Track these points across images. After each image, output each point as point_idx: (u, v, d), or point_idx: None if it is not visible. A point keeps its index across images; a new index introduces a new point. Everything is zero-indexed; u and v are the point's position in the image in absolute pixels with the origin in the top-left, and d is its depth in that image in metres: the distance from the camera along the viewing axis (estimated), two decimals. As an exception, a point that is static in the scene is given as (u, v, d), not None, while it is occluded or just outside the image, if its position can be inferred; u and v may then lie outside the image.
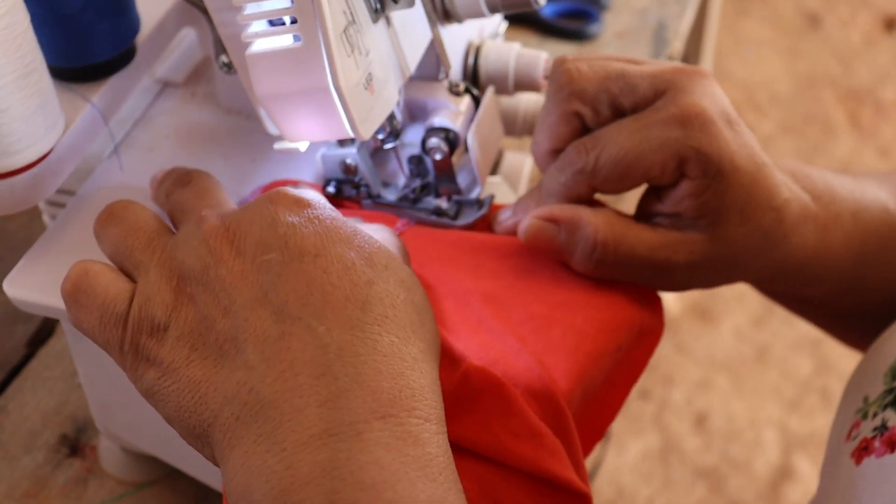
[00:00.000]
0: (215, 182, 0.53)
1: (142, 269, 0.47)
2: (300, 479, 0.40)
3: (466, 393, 0.48)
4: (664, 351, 1.98)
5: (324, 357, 0.42)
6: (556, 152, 0.57)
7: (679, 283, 0.56)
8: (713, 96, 0.53)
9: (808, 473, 1.80)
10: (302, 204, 0.47)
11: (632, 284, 0.56)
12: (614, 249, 0.53)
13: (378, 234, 0.51)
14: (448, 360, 0.49)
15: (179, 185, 0.53)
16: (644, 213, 0.56)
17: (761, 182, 0.54)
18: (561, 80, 0.55)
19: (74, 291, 0.48)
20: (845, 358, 1.97)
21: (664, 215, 0.55)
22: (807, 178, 0.58)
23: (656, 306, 0.57)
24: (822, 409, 1.90)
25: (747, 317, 2.08)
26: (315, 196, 0.48)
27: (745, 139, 0.54)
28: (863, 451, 0.53)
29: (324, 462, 0.40)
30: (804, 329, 2.03)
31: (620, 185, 0.54)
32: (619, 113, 0.55)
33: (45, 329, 0.76)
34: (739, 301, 2.10)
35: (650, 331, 0.56)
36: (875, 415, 0.54)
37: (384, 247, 0.48)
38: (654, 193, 0.56)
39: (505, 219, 0.58)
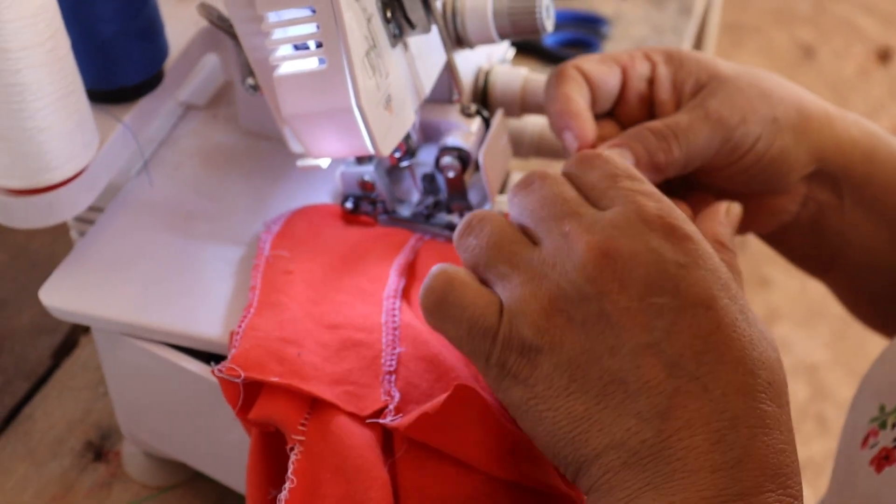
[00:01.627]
0: (562, 184, 0.49)
1: (507, 282, 0.46)
2: None
3: (453, 408, 0.49)
4: (662, 376, 2.00)
5: (719, 423, 0.41)
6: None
7: (752, 130, 0.60)
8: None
9: (805, 498, 1.82)
10: (683, 237, 0.45)
11: None
12: (665, 124, 0.59)
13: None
14: (442, 371, 0.52)
15: (524, 188, 0.50)
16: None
17: (784, 94, 0.62)
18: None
19: (440, 302, 0.47)
20: (842, 385, 1.99)
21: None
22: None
23: None
24: (819, 436, 1.91)
25: (744, 343, 2.10)
26: (691, 226, 0.46)
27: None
28: (883, 459, 0.56)
29: None
30: (800, 355, 2.06)
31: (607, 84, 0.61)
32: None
33: (70, 341, 0.79)
34: (736, 327, 2.13)
35: None
36: (895, 425, 0.57)
37: (743, 293, 0.46)
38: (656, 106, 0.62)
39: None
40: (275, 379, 0.51)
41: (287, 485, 0.49)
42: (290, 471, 0.49)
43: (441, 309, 0.47)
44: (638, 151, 0.58)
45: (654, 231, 0.44)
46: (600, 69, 0.61)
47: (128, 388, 0.64)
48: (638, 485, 0.42)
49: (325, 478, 0.49)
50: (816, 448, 1.89)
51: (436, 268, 0.47)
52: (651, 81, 0.62)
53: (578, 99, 0.60)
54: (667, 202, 0.46)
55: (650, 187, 0.47)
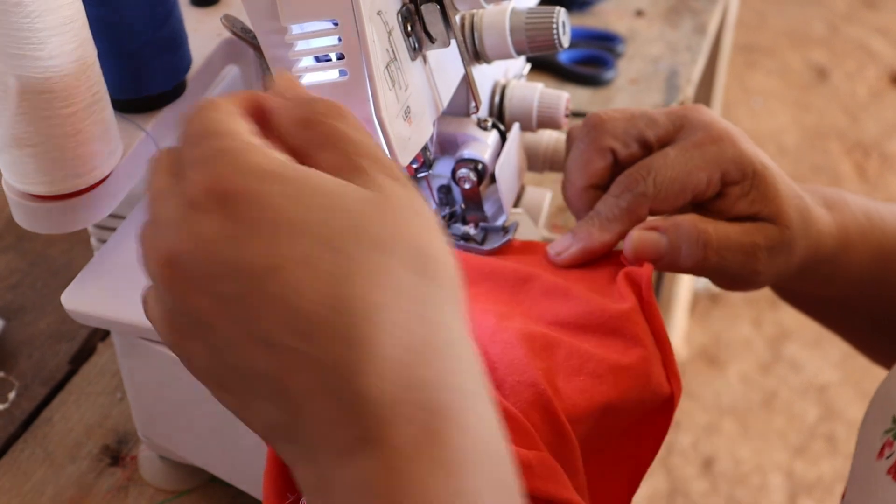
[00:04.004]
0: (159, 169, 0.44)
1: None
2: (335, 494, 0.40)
3: None
4: (672, 394, 2.00)
5: (323, 379, 0.39)
6: (590, 189, 0.63)
7: (766, 266, 0.62)
8: (720, 120, 0.62)
9: (814, 518, 1.82)
10: (236, 199, 0.40)
11: (647, 337, 0.57)
12: (715, 235, 0.60)
13: None
14: None
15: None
16: None
17: (783, 175, 0.63)
18: (593, 121, 0.62)
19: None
20: (851, 405, 1.99)
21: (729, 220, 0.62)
22: (816, 189, 0.67)
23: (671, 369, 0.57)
24: (828, 455, 1.91)
25: (754, 363, 2.10)
26: (248, 177, 0.40)
27: (757, 148, 0.63)
28: None
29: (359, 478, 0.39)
30: (810, 375, 2.06)
31: (674, 202, 0.61)
32: (645, 145, 0.62)
33: (88, 347, 0.80)
34: (746, 347, 2.13)
35: (665, 395, 0.57)
36: None
37: (332, 209, 0.41)
38: (705, 211, 0.62)
39: (566, 248, 0.62)
40: None
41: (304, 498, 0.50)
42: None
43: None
44: (672, 247, 0.60)
45: (204, 212, 0.40)
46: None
47: (146, 392, 0.65)
48: (293, 456, 0.41)
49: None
50: (826, 468, 1.89)
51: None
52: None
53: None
54: (221, 162, 0.41)
55: (208, 147, 0.41)
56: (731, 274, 0.62)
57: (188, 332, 0.41)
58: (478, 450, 0.40)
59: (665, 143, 0.62)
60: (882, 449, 0.60)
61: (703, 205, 0.62)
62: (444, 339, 0.41)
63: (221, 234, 0.39)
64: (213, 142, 0.41)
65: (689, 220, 0.60)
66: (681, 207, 0.61)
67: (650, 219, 0.62)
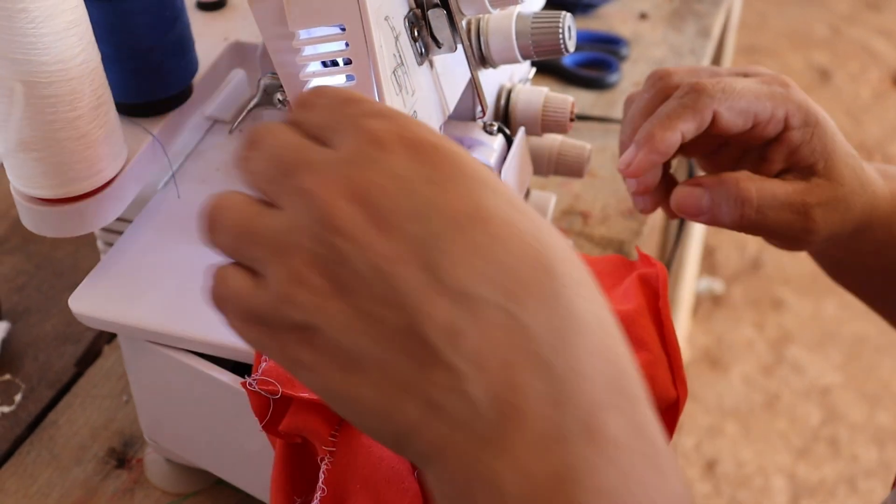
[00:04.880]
0: (285, 132, 0.41)
1: (264, 266, 0.39)
2: (536, 486, 0.35)
3: None
4: (674, 396, 2.00)
5: (531, 344, 0.36)
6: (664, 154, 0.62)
7: (819, 225, 0.62)
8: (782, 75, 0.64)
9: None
10: (427, 149, 0.38)
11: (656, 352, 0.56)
12: (758, 195, 0.61)
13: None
14: None
15: (248, 149, 0.42)
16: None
17: (840, 135, 0.63)
18: (659, 73, 0.64)
19: (215, 300, 0.41)
20: (854, 407, 1.99)
21: (784, 172, 0.63)
22: (864, 162, 0.67)
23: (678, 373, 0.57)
24: (831, 458, 1.91)
25: (756, 365, 2.10)
26: (434, 135, 0.39)
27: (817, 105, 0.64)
28: None
29: (559, 467, 0.35)
30: (813, 378, 2.06)
31: (737, 121, 0.61)
32: None
33: (93, 350, 0.80)
34: (749, 349, 2.13)
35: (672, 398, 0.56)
36: None
37: (510, 187, 0.41)
38: (762, 157, 0.63)
39: (632, 157, 0.61)
40: (305, 395, 0.52)
41: (318, 494, 0.50)
42: (321, 480, 0.50)
43: (218, 304, 0.41)
44: (713, 203, 0.62)
45: (392, 153, 0.38)
46: (735, 122, 0.62)
47: (152, 394, 0.65)
48: (474, 444, 0.36)
49: (355, 488, 0.50)
50: (828, 470, 1.89)
51: (209, 268, 0.41)
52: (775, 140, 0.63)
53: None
54: (402, 117, 0.40)
55: (380, 105, 0.41)
56: (779, 232, 0.62)
57: (338, 287, 0.37)
58: (664, 449, 0.38)
59: None
60: None
61: (764, 147, 0.63)
62: (623, 351, 0.39)
63: (419, 174, 0.37)
64: (372, 102, 0.40)
65: (734, 178, 0.61)
66: (741, 131, 0.61)
67: (699, 176, 0.63)
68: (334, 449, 0.51)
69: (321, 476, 0.50)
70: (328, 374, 0.38)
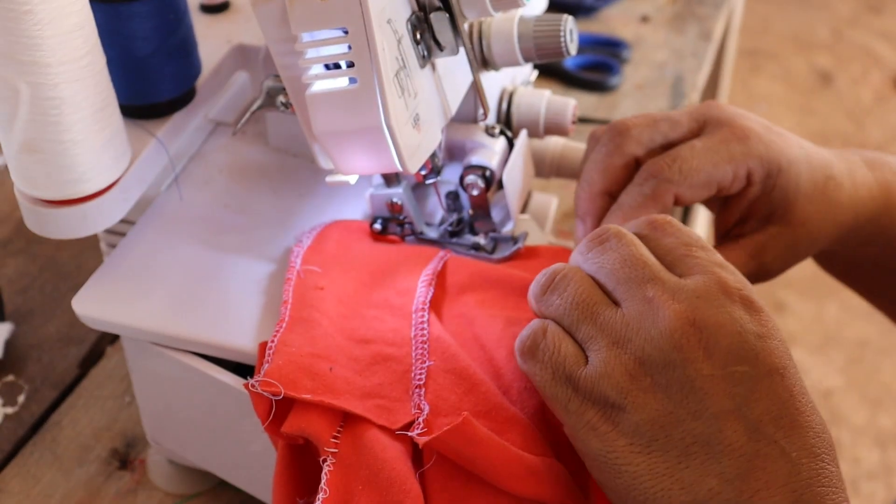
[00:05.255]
0: (639, 245, 0.51)
1: (592, 344, 0.48)
2: None
3: (460, 442, 0.50)
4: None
5: (796, 483, 0.44)
6: (606, 195, 0.62)
7: (777, 270, 0.63)
8: (743, 114, 0.62)
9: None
10: (758, 309, 0.48)
11: None
12: None
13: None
14: (471, 384, 0.53)
15: (599, 243, 0.51)
16: (723, 229, 0.64)
17: (814, 161, 0.62)
18: (619, 127, 0.62)
19: (532, 347, 0.50)
20: (856, 410, 1.99)
21: (742, 223, 0.62)
22: (855, 151, 0.67)
23: None
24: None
25: (759, 367, 2.10)
26: (761, 299, 0.49)
27: (785, 137, 0.62)
28: None
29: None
30: (815, 381, 2.06)
31: (700, 193, 0.60)
32: (669, 147, 0.62)
33: (96, 351, 0.80)
34: (751, 351, 2.13)
35: None
36: None
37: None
38: (724, 209, 0.63)
39: None
40: (307, 396, 0.52)
41: (320, 495, 0.50)
42: (323, 482, 0.50)
43: (532, 352, 0.50)
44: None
45: (734, 303, 0.47)
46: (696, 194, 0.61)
47: (155, 396, 0.65)
48: None
49: (358, 489, 0.50)
50: (830, 473, 1.88)
51: (535, 321, 0.51)
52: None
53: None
54: (740, 275, 0.50)
55: (722, 259, 0.50)
56: None
57: (655, 386, 0.46)
58: None
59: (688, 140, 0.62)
60: None
61: (723, 200, 0.62)
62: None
63: (751, 326, 0.46)
64: (717, 254, 0.50)
65: None
66: (706, 197, 0.61)
67: None
68: (337, 450, 0.51)
69: (323, 477, 0.51)
70: (618, 449, 0.46)
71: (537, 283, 0.52)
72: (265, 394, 0.52)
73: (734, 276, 0.49)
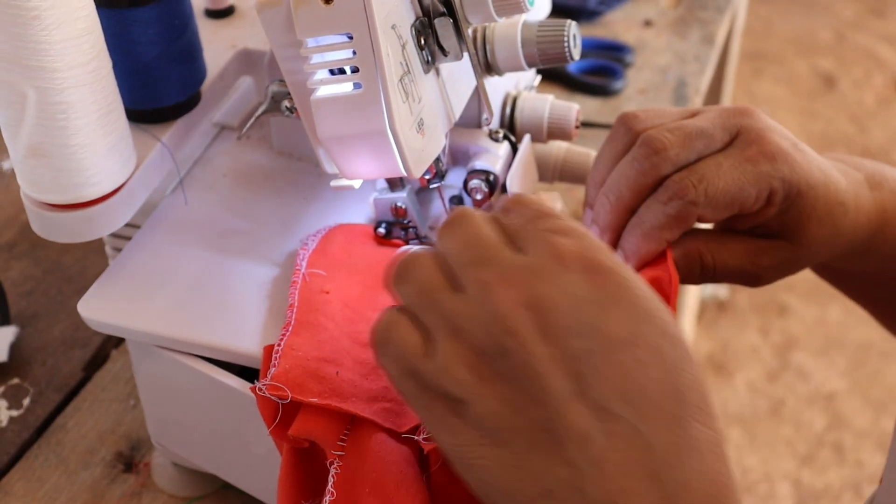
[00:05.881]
0: (484, 224, 0.47)
1: (436, 334, 0.45)
2: None
3: None
4: (679, 402, 2.00)
5: (650, 459, 0.41)
6: (634, 210, 0.60)
7: (768, 279, 0.63)
8: (775, 129, 0.61)
9: (821, 526, 1.82)
10: (602, 271, 0.44)
11: None
12: (712, 261, 0.61)
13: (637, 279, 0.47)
14: None
15: (449, 227, 0.48)
16: (729, 229, 0.63)
17: (830, 187, 0.61)
18: (655, 146, 0.59)
19: (381, 339, 0.47)
20: (859, 413, 1.99)
21: (750, 229, 0.62)
22: (859, 164, 0.66)
23: None
24: (836, 464, 1.91)
25: (761, 371, 2.10)
26: (611, 258, 0.45)
27: (809, 156, 0.61)
28: None
29: None
30: (818, 384, 2.06)
31: (722, 213, 0.60)
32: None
33: (101, 354, 0.81)
34: (754, 355, 2.13)
35: None
36: None
37: (668, 312, 0.45)
38: (734, 220, 0.62)
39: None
40: (314, 400, 0.53)
41: (327, 498, 0.50)
42: (330, 484, 0.51)
43: (380, 346, 0.47)
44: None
45: (571, 271, 0.43)
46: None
47: (160, 399, 0.65)
48: None
49: (365, 492, 0.50)
50: (834, 477, 1.89)
51: (386, 311, 0.47)
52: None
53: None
54: (587, 237, 0.45)
55: (570, 223, 0.46)
56: (727, 283, 0.63)
57: (495, 375, 0.43)
58: None
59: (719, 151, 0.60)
60: None
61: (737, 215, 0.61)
62: (732, 479, 0.43)
63: (589, 295, 0.43)
64: (562, 220, 0.46)
65: (694, 245, 0.61)
66: (729, 215, 0.60)
67: None
68: (343, 453, 0.52)
69: (331, 480, 0.51)
70: (467, 443, 0.43)
71: (390, 267, 0.48)
72: (272, 397, 0.53)
73: (575, 240, 0.45)
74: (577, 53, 0.62)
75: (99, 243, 0.85)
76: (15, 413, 0.76)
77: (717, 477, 0.42)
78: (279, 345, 0.56)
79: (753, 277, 0.62)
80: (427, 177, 0.63)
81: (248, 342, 0.59)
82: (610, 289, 0.43)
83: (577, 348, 0.42)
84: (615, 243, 0.61)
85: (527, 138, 0.68)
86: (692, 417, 0.42)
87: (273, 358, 0.55)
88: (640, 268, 0.60)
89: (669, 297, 0.57)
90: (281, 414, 0.53)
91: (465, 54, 0.58)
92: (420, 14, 0.56)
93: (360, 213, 0.68)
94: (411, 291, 0.46)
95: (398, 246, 0.66)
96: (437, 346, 0.44)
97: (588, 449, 0.41)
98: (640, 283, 0.44)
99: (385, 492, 0.50)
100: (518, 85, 0.72)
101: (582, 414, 0.42)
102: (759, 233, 0.62)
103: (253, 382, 0.55)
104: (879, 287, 0.75)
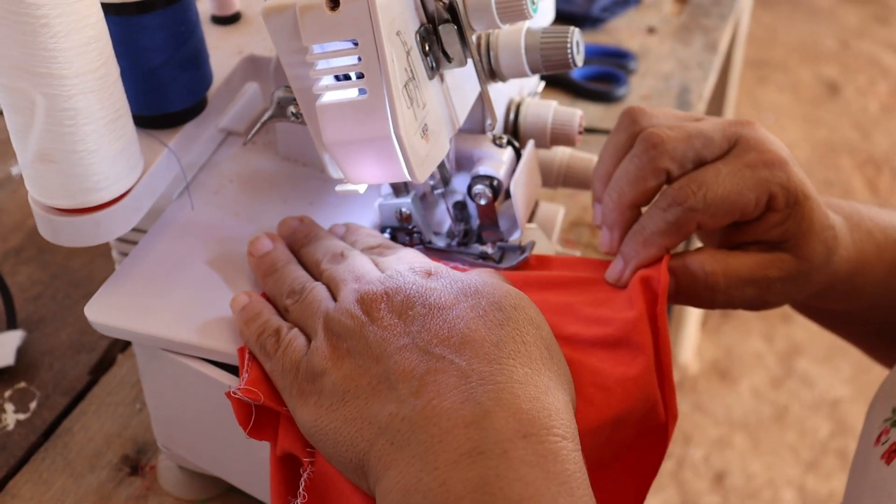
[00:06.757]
0: (360, 257, 0.61)
1: (315, 334, 0.55)
2: (454, 494, 0.44)
3: None
4: (683, 409, 2.01)
5: (466, 385, 0.48)
6: (638, 205, 0.62)
7: (776, 297, 0.63)
8: (773, 141, 0.62)
9: (826, 531, 1.81)
10: (431, 272, 0.56)
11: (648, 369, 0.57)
12: (724, 275, 0.61)
13: (486, 275, 0.57)
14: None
15: (334, 262, 0.60)
16: (729, 246, 0.63)
17: (821, 206, 0.62)
18: (653, 140, 0.61)
19: (271, 348, 0.56)
20: (863, 420, 1.99)
21: (751, 244, 0.62)
22: (836, 205, 0.67)
23: (669, 397, 0.57)
24: (840, 470, 1.91)
25: (766, 378, 2.10)
26: (441, 266, 0.58)
27: (803, 173, 0.63)
28: (893, 453, 0.60)
29: (474, 479, 0.44)
30: (822, 390, 2.06)
31: (721, 220, 0.60)
32: (700, 164, 0.61)
33: (107, 359, 0.81)
34: (758, 362, 2.13)
35: (658, 420, 0.56)
36: None
37: (512, 291, 0.54)
38: (736, 228, 0.62)
39: (619, 270, 0.62)
40: (284, 409, 0.55)
41: (299, 500, 0.52)
42: (301, 487, 0.53)
43: (264, 349, 0.56)
44: (679, 289, 0.62)
45: (416, 273, 0.56)
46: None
47: (165, 402, 0.66)
48: (406, 459, 0.47)
49: (334, 496, 0.52)
50: (838, 483, 1.88)
51: (269, 319, 0.58)
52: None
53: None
54: (415, 254, 0.61)
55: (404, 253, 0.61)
56: (739, 306, 0.62)
57: (345, 352, 0.53)
58: (578, 475, 0.47)
59: (718, 159, 0.61)
60: (879, 436, 0.63)
61: (738, 224, 0.62)
62: (553, 406, 0.49)
63: (427, 283, 0.55)
64: (395, 247, 0.62)
65: (699, 263, 0.60)
66: (728, 222, 0.61)
67: None
68: (314, 459, 0.53)
69: (301, 484, 0.52)
70: (322, 411, 0.51)
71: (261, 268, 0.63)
72: (246, 400, 0.54)
73: (417, 258, 0.59)
74: (580, 60, 0.63)
75: (105, 248, 0.86)
76: (22, 416, 0.76)
77: (534, 401, 0.48)
78: (250, 353, 0.58)
79: (764, 290, 0.62)
80: (431, 182, 0.64)
81: (253, 346, 0.59)
82: (443, 282, 0.55)
83: (411, 314, 0.52)
84: (622, 241, 0.62)
85: (530, 144, 0.68)
86: (509, 358, 0.50)
87: (245, 364, 0.57)
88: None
89: (657, 296, 0.57)
90: (255, 416, 0.55)
91: (469, 60, 0.58)
92: (425, 21, 0.57)
93: (365, 219, 0.69)
94: (299, 308, 0.58)
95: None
96: (313, 342, 0.55)
97: (412, 383, 0.49)
98: (461, 278, 0.55)
99: (357, 495, 0.51)
100: (522, 91, 0.72)
101: (411, 359, 0.50)
102: (762, 248, 0.62)
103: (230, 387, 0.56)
104: (863, 325, 0.76)
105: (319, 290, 0.58)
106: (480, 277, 0.56)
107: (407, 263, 0.58)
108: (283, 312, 0.59)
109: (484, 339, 0.50)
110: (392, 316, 0.53)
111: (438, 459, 0.46)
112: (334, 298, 0.57)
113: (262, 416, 0.56)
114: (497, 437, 0.46)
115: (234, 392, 0.55)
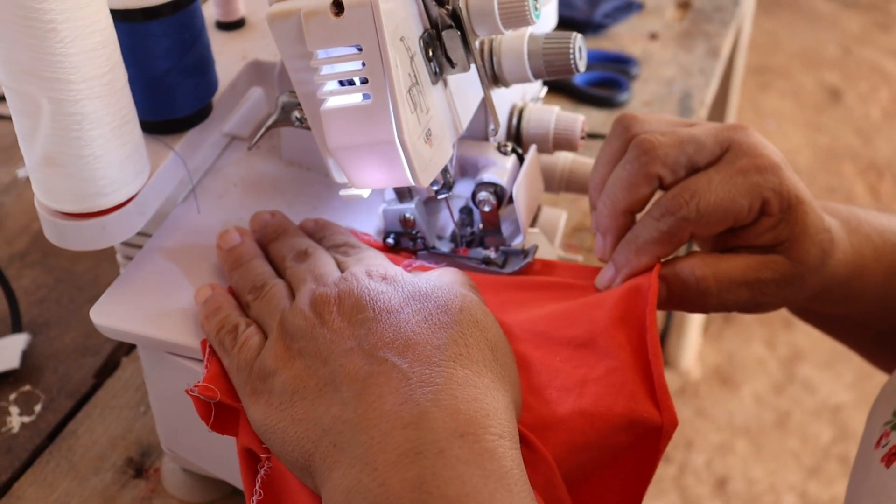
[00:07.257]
0: (323, 256, 0.62)
1: (271, 332, 0.56)
2: (393, 494, 0.45)
3: None
4: (685, 415, 2.01)
5: (407, 387, 0.49)
6: (632, 212, 0.62)
7: (771, 299, 0.63)
8: (766, 145, 0.62)
9: (827, 537, 1.81)
10: (386, 276, 0.57)
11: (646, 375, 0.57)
12: (715, 281, 0.60)
13: (447, 275, 0.59)
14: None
15: (297, 261, 0.61)
16: (723, 250, 0.64)
17: (816, 209, 0.62)
18: (645, 147, 0.61)
19: (229, 345, 0.57)
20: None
21: (744, 248, 0.62)
22: (834, 209, 0.67)
23: (665, 402, 0.56)
24: (842, 476, 1.91)
25: (767, 383, 2.11)
26: (397, 270, 0.59)
27: (797, 177, 0.63)
28: (893, 456, 0.60)
29: (413, 479, 0.46)
30: (824, 396, 2.06)
31: (715, 228, 0.61)
32: (693, 170, 0.61)
33: (112, 362, 0.82)
34: (760, 367, 2.13)
35: (655, 426, 0.55)
36: None
37: (461, 294, 0.55)
38: (729, 233, 0.62)
39: (611, 279, 0.62)
40: (238, 404, 0.55)
41: (254, 497, 0.54)
42: (257, 484, 0.54)
43: (229, 349, 0.57)
44: (670, 296, 0.62)
45: (374, 280, 0.57)
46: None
47: (170, 405, 0.66)
48: (347, 461, 0.48)
49: (289, 491, 0.53)
50: (840, 489, 1.88)
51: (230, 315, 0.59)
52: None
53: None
54: (377, 256, 0.61)
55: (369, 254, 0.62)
56: (733, 309, 0.63)
57: (296, 353, 0.54)
58: (515, 473, 0.48)
59: (710, 165, 0.61)
60: (879, 439, 0.63)
61: (732, 228, 0.62)
62: (491, 407, 0.50)
63: (376, 287, 0.56)
64: (360, 247, 0.63)
65: (690, 268, 0.60)
66: (722, 229, 0.61)
67: None
68: (270, 455, 0.54)
69: (258, 480, 0.53)
70: (273, 410, 0.52)
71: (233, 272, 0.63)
72: (203, 398, 0.55)
73: (375, 262, 0.60)
74: (582, 65, 0.63)
75: (110, 251, 0.86)
76: (27, 419, 0.77)
77: (472, 402, 0.49)
78: (211, 346, 0.59)
79: (757, 292, 0.62)
80: (435, 187, 0.64)
81: (257, 349, 0.60)
82: (396, 287, 0.56)
83: (359, 318, 0.53)
84: (616, 247, 0.62)
85: (533, 149, 0.69)
86: (451, 360, 0.51)
87: (205, 359, 0.58)
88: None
89: (647, 303, 0.57)
90: (215, 413, 0.56)
91: (473, 66, 0.59)
92: (428, 26, 0.57)
93: (369, 224, 0.69)
94: (260, 305, 0.59)
95: (406, 256, 0.67)
96: (267, 342, 0.56)
97: (355, 386, 0.50)
98: (413, 282, 0.56)
99: (302, 494, 0.52)
100: (524, 96, 0.73)
101: (355, 363, 0.51)
102: (755, 251, 0.62)
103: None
104: (861, 329, 0.76)
105: (279, 287, 0.59)
106: (436, 280, 0.57)
107: (365, 266, 0.59)
108: (244, 308, 0.60)
109: (427, 341, 0.52)
110: (341, 319, 0.54)
111: (378, 461, 0.47)
112: (294, 297, 0.58)
113: (224, 410, 0.57)
114: (434, 436, 0.47)
115: (191, 390, 0.56)
